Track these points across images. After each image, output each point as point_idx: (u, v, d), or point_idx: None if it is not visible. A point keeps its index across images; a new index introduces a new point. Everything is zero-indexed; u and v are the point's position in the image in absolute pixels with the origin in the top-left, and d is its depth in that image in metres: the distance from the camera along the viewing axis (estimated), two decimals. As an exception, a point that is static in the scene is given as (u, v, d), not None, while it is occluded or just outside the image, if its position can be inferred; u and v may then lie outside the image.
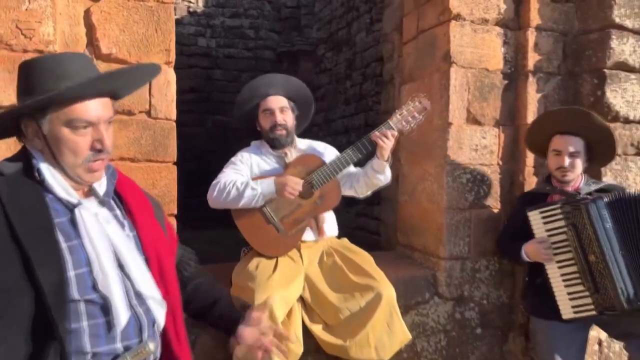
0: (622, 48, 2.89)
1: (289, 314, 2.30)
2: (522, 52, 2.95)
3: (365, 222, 6.83)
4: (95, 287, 1.18)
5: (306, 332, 2.33)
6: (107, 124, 1.27)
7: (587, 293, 2.31)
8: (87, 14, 2.18)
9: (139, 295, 1.26)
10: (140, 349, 1.22)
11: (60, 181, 1.23)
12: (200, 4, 9.91)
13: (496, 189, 2.97)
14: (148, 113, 2.31)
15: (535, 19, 2.91)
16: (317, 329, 2.36)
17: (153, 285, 1.30)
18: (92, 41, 2.20)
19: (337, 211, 2.64)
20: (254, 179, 2.42)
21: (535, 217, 2.42)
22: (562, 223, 2.35)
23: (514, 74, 2.98)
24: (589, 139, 2.47)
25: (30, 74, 1.22)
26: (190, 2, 9.77)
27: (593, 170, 2.75)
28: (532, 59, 2.92)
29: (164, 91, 2.32)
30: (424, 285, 2.86)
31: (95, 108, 1.23)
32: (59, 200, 1.23)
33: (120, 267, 1.24)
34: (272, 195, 2.36)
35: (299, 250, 2.46)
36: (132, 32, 2.24)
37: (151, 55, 2.27)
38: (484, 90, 2.91)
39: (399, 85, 3.71)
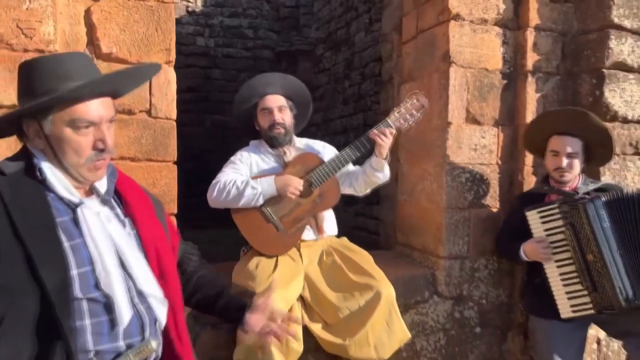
0: (621, 48, 2.90)
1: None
2: (521, 52, 2.96)
3: (364, 221, 6.84)
4: (97, 286, 1.19)
5: (306, 331, 2.33)
6: (109, 123, 1.27)
7: (585, 292, 2.31)
8: (88, 13, 2.18)
9: (140, 294, 1.26)
10: (143, 347, 1.23)
11: (62, 180, 1.24)
12: (199, 3, 9.90)
13: (495, 189, 2.97)
14: (148, 112, 2.31)
15: (534, 19, 2.92)
16: (316, 328, 2.36)
17: (154, 284, 1.30)
18: (92, 40, 2.20)
19: (336, 210, 2.65)
20: (254, 178, 2.43)
21: (533, 217, 2.43)
22: (560, 223, 2.36)
23: (513, 74, 2.99)
24: (587, 139, 2.48)
25: (31, 74, 1.22)
26: (189, 1, 9.77)
27: (591, 169, 2.76)
28: (531, 59, 2.93)
29: (164, 90, 2.32)
30: (423, 284, 2.87)
31: (96, 108, 1.23)
32: (61, 199, 1.23)
33: (122, 265, 1.25)
34: (272, 194, 2.36)
35: (298, 250, 2.46)
36: (132, 32, 2.24)
37: (151, 55, 2.27)
38: (483, 90, 2.92)
39: (398, 85, 3.71)
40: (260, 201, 2.36)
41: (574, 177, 2.50)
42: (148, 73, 1.49)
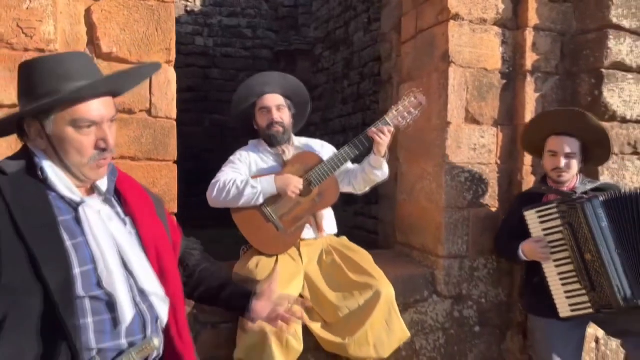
0: (620, 48, 2.91)
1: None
2: (521, 52, 2.97)
3: (363, 221, 6.84)
4: (99, 284, 1.19)
5: (306, 330, 2.34)
6: (110, 122, 1.28)
7: (583, 291, 2.32)
8: (88, 12, 2.19)
9: (142, 292, 1.27)
10: (145, 345, 1.23)
11: (64, 179, 1.24)
12: (198, 3, 9.90)
13: (494, 188, 2.98)
14: (148, 112, 2.31)
15: (533, 19, 2.93)
16: (316, 327, 2.37)
17: (156, 282, 1.31)
18: (92, 40, 2.20)
19: (335, 210, 2.66)
20: (253, 177, 2.43)
21: (531, 217, 2.43)
22: (558, 222, 2.36)
23: (512, 74, 3.00)
24: (585, 139, 2.48)
25: (32, 74, 1.22)
26: (188, 1, 9.76)
27: (589, 169, 2.76)
28: (530, 58, 2.94)
29: (165, 90, 2.33)
30: (422, 283, 2.88)
31: (98, 108, 1.24)
32: (62, 198, 1.23)
33: (124, 264, 1.25)
34: (272, 193, 2.37)
35: (298, 249, 2.47)
36: (132, 31, 2.24)
37: (152, 54, 2.27)
38: (483, 90, 2.92)
39: (398, 84, 3.72)
40: (260, 200, 2.36)
41: (572, 177, 2.50)
42: (148, 72, 1.50)
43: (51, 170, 1.23)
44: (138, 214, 1.37)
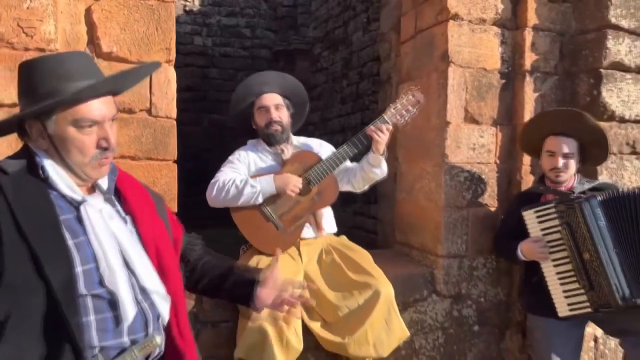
0: (618, 48, 2.92)
1: (288, 311, 2.32)
2: (520, 52, 2.98)
3: (362, 220, 6.85)
4: (101, 283, 1.19)
5: (306, 329, 2.35)
6: (111, 121, 1.28)
7: (582, 291, 2.33)
8: (88, 12, 2.19)
9: (143, 290, 1.27)
10: (147, 342, 1.24)
11: (65, 178, 1.24)
12: (197, 2, 9.90)
13: (493, 188, 2.99)
14: (149, 111, 2.32)
15: (532, 18, 2.94)
16: (315, 327, 2.37)
17: (157, 280, 1.31)
18: (93, 40, 2.20)
19: (333, 210, 2.66)
20: (252, 176, 2.43)
21: (530, 217, 2.44)
22: (556, 222, 2.37)
23: (512, 74, 3.00)
24: (583, 139, 2.50)
25: (32, 74, 1.23)
26: (187, 0, 9.76)
27: (587, 169, 2.77)
28: (530, 58, 2.95)
29: (165, 89, 2.33)
30: (422, 282, 2.88)
31: (99, 107, 1.24)
32: (63, 197, 1.23)
33: (125, 262, 1.26)
34: (271, 193, 2.37)
35: (298, 248, 2.47)
36: (132, 31, 2.25)
37: (152, 54, 2.28)
38: (482, 90, 2.93)
39: (397, 84, 3.73)
40: (260, 200, 2.36)
41: (570, 177, 2.51)
42: (148, 71, 1.51)
43: (52, 169, 1.23)
44: (138, 213, 1.37)
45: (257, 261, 2.36)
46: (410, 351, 2.82)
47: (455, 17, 2.84)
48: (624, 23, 2.92)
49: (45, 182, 1.22)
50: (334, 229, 2.64)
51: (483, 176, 2.96)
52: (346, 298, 2.35)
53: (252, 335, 2.16)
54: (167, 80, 2.33)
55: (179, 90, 2.43)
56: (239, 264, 2.06)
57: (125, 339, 1.22)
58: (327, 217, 2.59)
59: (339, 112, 7.99)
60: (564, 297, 2.37)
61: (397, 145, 3.36)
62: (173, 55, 2.34)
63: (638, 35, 2.97)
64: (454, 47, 2.85)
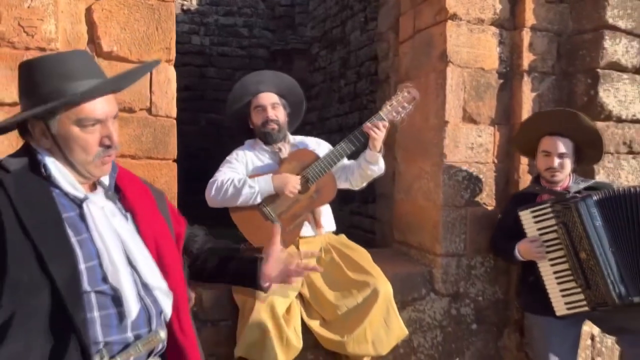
0: (615, 48, 2.94)
1: (288, 310, 2.33)
2: (517, 52, 2.99)
3: (359, 220, 6.86)
4: (105, 280, 1.20)
5: (305, 327, 2.36)
6: (113, 119, 1.29)
7: (579, 289, 2.34)
8: (89, 11, 2.20)
9: (145, 287, 1.28)
10: (151, 338, 1.25)
11: (67, 176, 1.25)
12: (194, 2, 9.89)
13: (491, 187, 3.00)
14: (149, 110, 2.33)
15: (530, 19, 2.95)
16: (314, 325, 2.39)
17: (159, 276, 1.32)
18: (93, 39, 2.21)
19: (331, 209, 2.67)
20: (250, 176, 2.44)
21: (526, 217, 2.46)
22: (552, 222, 2.39)
23: (509, 74, 3.02)
24: (578, 140, 2.51)
25: (33, 74, 1.23)
26: (184, 0, 9.75)
27: (584, 169, 2.79)
28: (527, 58, 2.96)
29: (165, 89, 2.34)
30: (420, 281, 2.90)
31: (102, 106, 1.25)
32: (66, 195, 1.24)
33: (127, 259, 1.26)
34: (270, 193, 2.38)
35: (297, 247, 2.48)
36: (133, 30, 2.26)
37: (152, 54, 2.29)
38: (480, 90, 2.94)
39: (395, 84, 3.73)
40: (258, 199, 2.37)
41: (565, 177, 2.53)
42: (148, 68, 1.52)
43: (54, 167, 1.23)
44: (138, 209, 1.37)
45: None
46: (408, 350, 2.83)
47: (454, 17, 2.85)
48: (621, 23, 2.94)
49: (48, 180, 1.23)
50: (333, 227, 2.65)
51: (481, 175, 2.97)
52: (345, 297, 2.36)
53: (252, 333, 2.17)
54: (167, 80, 2.34)
55: (176, 89, 2.44)
56: (241, 247, 2.06)
57: (129, 335, 1.23)
58: (326, 215, 2.60)
59: (337, 112, 8.00)
60: (561, 296, 2.39)
61: (396, 145, 3.37)
62: (173, 55, 2.35)
63: (635, 36, 2.99)
64: (453, 47, 2.86)
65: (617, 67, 2.96)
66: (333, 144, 2.57)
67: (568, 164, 2.50)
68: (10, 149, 1.37)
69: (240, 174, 2.47)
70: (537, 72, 3.00)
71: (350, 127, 7.31)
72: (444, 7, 2.84)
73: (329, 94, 8.36)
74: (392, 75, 4.12)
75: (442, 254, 2.90)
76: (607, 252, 2.28)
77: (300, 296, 2.41)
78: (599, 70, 2.92)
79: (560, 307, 2.39)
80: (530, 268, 2.51)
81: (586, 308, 2.34)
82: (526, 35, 2.95)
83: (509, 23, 3.00)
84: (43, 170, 1.23)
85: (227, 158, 2.57)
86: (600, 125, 2.90)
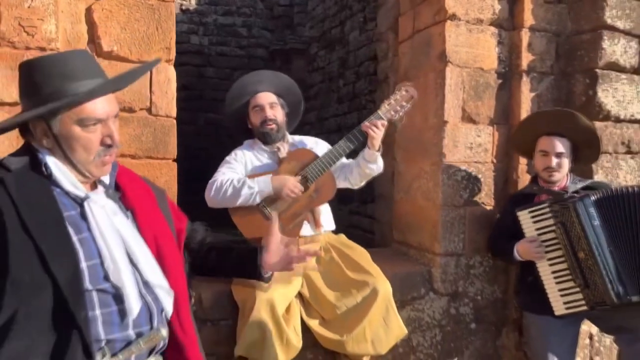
0: (614, 49, 2.95)
1: (288, 310, 2.34)
2: (516, 52, 3.00)
3: (358, 220, 6.86)
4: (106, 278, 1.21)
5: (305, 327, 2.36)
6: (114, 118, 1.30)
7: (577, 289, 2.35)
8: (89, 11, 2.20)
9: (147, 284, 1.28)
10: (153, 335, 1.26)
11: (68, 175, 1.25)
12: (193, 1, 9.89)
13: (490, 187, 3.01)
14: (149, 110, 2.33)
15: (529, 19, 2.96)
16: (314, 324, 2.39)
17: (160, 274, 1.32)
18: (93, 39, 2.21)
19: (330, 208, 2.67)
20: (249, 176, 2.45)
21: (524, 217, 2.46)
22: (550, 222, 2.39)
23: (508, 74, 3.03)
24: (575, 139, 2.53)
25: (34, 74, 1.23)
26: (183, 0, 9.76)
27: (584, 168, 2.80)
28: (526, 58, 2.97)
29: (165, 89, 2.34)
30: (419, 281, 2.90)
31: (103, 106, 1.26)
32: (67, 194, 1.24)
33: (129, 257, 1.27)
34: (269, 194, 2.38)
35: (297, 247, 2.48)
36: (133, 30, 2.26)
37: (152, 53, 2.29)
38: (479, 90, 2.95)
39: (394, 84, 3.73)
40: (257, 200, 2.38)
41: (563, 176, 2.54)
42: (148, 67, 1.54)
43: (55, 167, 1.24)
44: (139, 208, 1.38)
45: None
46: (408, 349, 2.84)
47: (453, 17, 2.86)
48: (619, 24, 2.95)
49: (48, 179, 1.23)
50: (333, 226, 2.65)
51: (480, 175, 2.98)
52: (345, 296, 2.36)
53: (252, 332, 2.17)
54: (167, 80, 2.34)
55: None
56: (241, 239, 2.06)
57: (131, 332, 1.24)
58: (325, 214, 2.61)
59: (336, 112, 8.00)
60: (559, 296, 2.40)
61: (395, 145, 3.38)
62: (173, 55, 2.35)
63: (633, 36, 3.00)
64: (452, 47, 2.87)
65: (616, 67, 2.97)
66: (332, 143, 2.58)
67: (566, 163, 2.51)
68: (11, 148, 1.38)
69: (240, 174, 2.48)
70: (536, 72, 3.00)
71: (349, 127, 7.31)
72: (443, 8, 2.85)
73: (328, 94, 8.36)
74: (391, 75, 4.13)
75: (441, 254, 2.91)
76: (605, 251, 2.29)
77: (300, 295, 2.42)
78: (597, 70, 2.93)
79: (558, 306, 2.40)
80: (528, 268, 2.52)
81: (585, 307, 2.35)
82: (525, 36, 2.96)
83: (507, 23, 3.01)
84: (44, 169, 1.23)
85: (226, 158, 2.58)
86: (598, 125, 2.91)
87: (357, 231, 6.46)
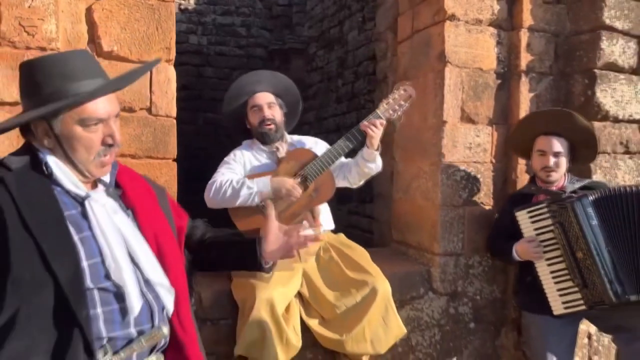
0: (612, 49, 2.96)
1: (287, 309, 2.34)
2: (515, 53, 3.01)
3: (357, 220, 6.86)
4: (108, 276, 1.21)
5: (304, 326, 2.36)
6: (115, 118, 1.30)
7: (576, 289, 2.36)
8: (89, 11, 2.20)
9: (148, 283, 1.29)
10: (155, 333, 1.26)
11: (68, 174, 1.26)
12: (192, 1, 9.88)
13: (489, 187, 3.02)
14: (149, 110, 2.33)
15: (527, 19, 2.97)
16: (313, 324, 2.39)
17: (161, 273, 1.33)
18: (93, 39, 2.22)
19: (329, 208, 2.68)
20: (249, 176, 2.45)
21: (523, 217, 2.47)
22: (549, 222, 2.40)
23: (507, 74, 3.03)
24: (572, 139, 2.53)
25: (35, 75, 1.24)
26: (182, -1, 9.74)
27: (581, 167, 2.81)
28: (525, 59, 2.98)
29: (165, 89, 2.34)
30: (418, 280, 2.91)
31: (104, 106, 1.26)
32: (67, 193, 1.25)
33: (129, 255, 1.27)
34: (268, 194, 2.39)
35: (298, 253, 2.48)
36: (133, 30, 2.26)
37: (152, 53, 2.29)
38: (478, 90, 2.96)
39: (393, 83, 3.74)
40: (256, 200, 2.38)
41: (560, 176, 2.55)
42: (149, 67, 1.54)
43: (56, 166, 1.25)
44: (139, 207, 1.39)
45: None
46: (407, 348, 2.84)
47: (452, 17, 2.87)
48: (618, 24, 2.96)
49: (49, 178, 1.24)
50: (332, 226, 2.66)
51: (479, 175, 2.99)
52: (344, 295, 2.37)
53: (252, 332, 2.17)
54: (167, 80, 2.35)
55: (174, 89, 2.44)
56: (240, 232, 2.06)
57: (132, 330, 1.24)
58: (324, 214, 2.61)
59: (334, 112, 8.00)
60: (558, 295, 2.41)
61: (394, 144, 3.38)
62: (173, 55, 2.36)
63: (632, 37, 3.01)
64: (451, 47, 2.87)
65: (614, 67, 2.98)
66: (331, 143, 2.58)
67: (563, 163, 2.52)
68: (11, 148, 1.38)
69: (239, 174, 2.48)
70: (535, 72, 3.01)
71: (348, 126, 7.27)
72: (442, 8, 2.86)
73: (327, 94, 8.36)
74: (390, 75, 4.13)
75: (440, 253, 2.92)
76: (604, 251, 2.30)
77: (300, 295, 2.42)
78: (596, 70, 2.94)
79: (557, 306, 2.41)
80: (527, 268, 2.52)
81: (583, 307, 2.36)
82: (524, 36, 2.97)
83: (506, 24, 3.02)
84: (44, 168, 1.24)
85: (225, 159, 2.58)
86: (597, 125, 2.92)
87: (356, 231, 6.46)
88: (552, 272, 2.42)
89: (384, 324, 2.39)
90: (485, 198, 3.01)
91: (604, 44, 2.94)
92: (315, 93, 8.72)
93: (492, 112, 3.00)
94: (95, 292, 1.19)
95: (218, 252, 1.64)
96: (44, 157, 1.24)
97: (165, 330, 1.30)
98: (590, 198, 2.32)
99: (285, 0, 10.13)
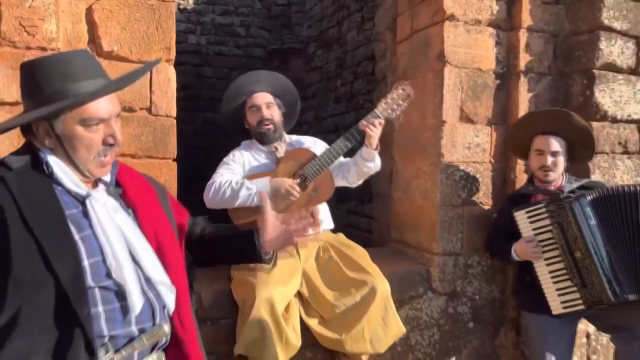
0: (611, 49, 2.97)
1: (287, 309, 2.35)
2: (514, 53, 3.01)
3: (356, 219, 6.86)
4: (109, 275, 1.22)
5: (304, 326, 2.37)
6: (116, 117, 1.31)
7: (575, 288, 2.37)
8: (89, 11, 2.20)
9: (149, 281, 1.29)
10: (156, 331, 1.27)
11: (69, 174, 1.26)
12: (191, 1, 9.88)
13: (488, 186, 3.02)
14: (149, 110, 2.33)
15: (526, 20, 2.97)
16: (313, 323, 2.40)
17: (162, 271, 1.33)
18: (93, 39, 2.22)
19: (328, 208, 2.68)
20: (248, 176, 2.45)
21: (521, 217, 2.48)
22: (547, 222, 2.41)
23: (506, 74, 3.04)
24: (570, 139, 2.54)
25: (36, 75, 1.24)
26: (181, -1, 9.74)
27: (580, 167, 2.82)
28: (524, 59, 2.98)
29: (165, 88, 2.35)
30: (417, 280, 2.91)
31: (105, 106, 1.27)
32: (68, 192, 1.25)
33: (130, 254, 1.28)
34: (267, 195, 2.39)
35: (295, 246, 2.49)
36: (133, 30, 2.26)
37: (152, 53, 2.29)
38: (477, 90, 2.97)
39: (392, 83, 3.74)
40: (255, 201, 2.38)
41: (558, 176, 2.56)
42: (149, 67, 1.55)
43: (56, 165, 1.25)
44: (139, 206, 1.39)
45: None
46: (406, 347, 2.85)
47: (451, 17, 2.87)
48: (617, 25, 2.96)
49: (50, 177, 1.24)
50: (331, 225, 2.66)
51: (478, 175, 2.99)
52: (343, 295, 2.37)
53: (252, 331, 2.18)
54: (167, 80, 2.35)
55: (174, 89, 2.44)
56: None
57: (134, 329, 1.25)
58: (324, 213, 2.61)
59: (333, 111, 8.00)
60: (557, 295, 2.41)
61: (394, 144, 3.39)
62: (173, 55, 2.36)
63: (630, 37, 3.02)
64: (450, 47, 2.88)
65: (613, 68, 2.99)
66: (330, 143, 2.59)
67: (561, 162, 2.52)
68: (12, 148, 1.38)
69: (238, 175, 2.49)
70: (534, 72, 3.02)
71: (347, 126, 7.26)
72: (441, 8, 2.86)
73: (326, 94, 8.37)
74: (389, 75, 4.14)
75: (439, 253, 2.92)
76: (602, 251, 2.30)
77: (299, 295, 2.43)
78: (594, 71, 2.94)
79: (556, 306, 2.41)
80: (526, 267, 2.53)
81: (582, 307, 2.36)
82: (523, 36, 2.98)
83: (505, 24, 3.02)
84: (45, 168, 1.24)
85: (224, 159, 2.59)
86: (595, 125, 2.93)
87: (355, 230, 6.46)
88: (550, 272, 2.43)
89: (384, 324, 2.40)
90: (484, 198, 3.01)
91: (603, 45, 2.94)
92: (314, 93, 8.72)
93: (491, 112, 3.01)
94: (96, 291, 1.20)
95: (218, 247, 1.65)
96: (45, 157, 1.25)
97: (167, 328, 1.30)
98: (589, 198, 2.33)
99: (284, 0, 10.12)
